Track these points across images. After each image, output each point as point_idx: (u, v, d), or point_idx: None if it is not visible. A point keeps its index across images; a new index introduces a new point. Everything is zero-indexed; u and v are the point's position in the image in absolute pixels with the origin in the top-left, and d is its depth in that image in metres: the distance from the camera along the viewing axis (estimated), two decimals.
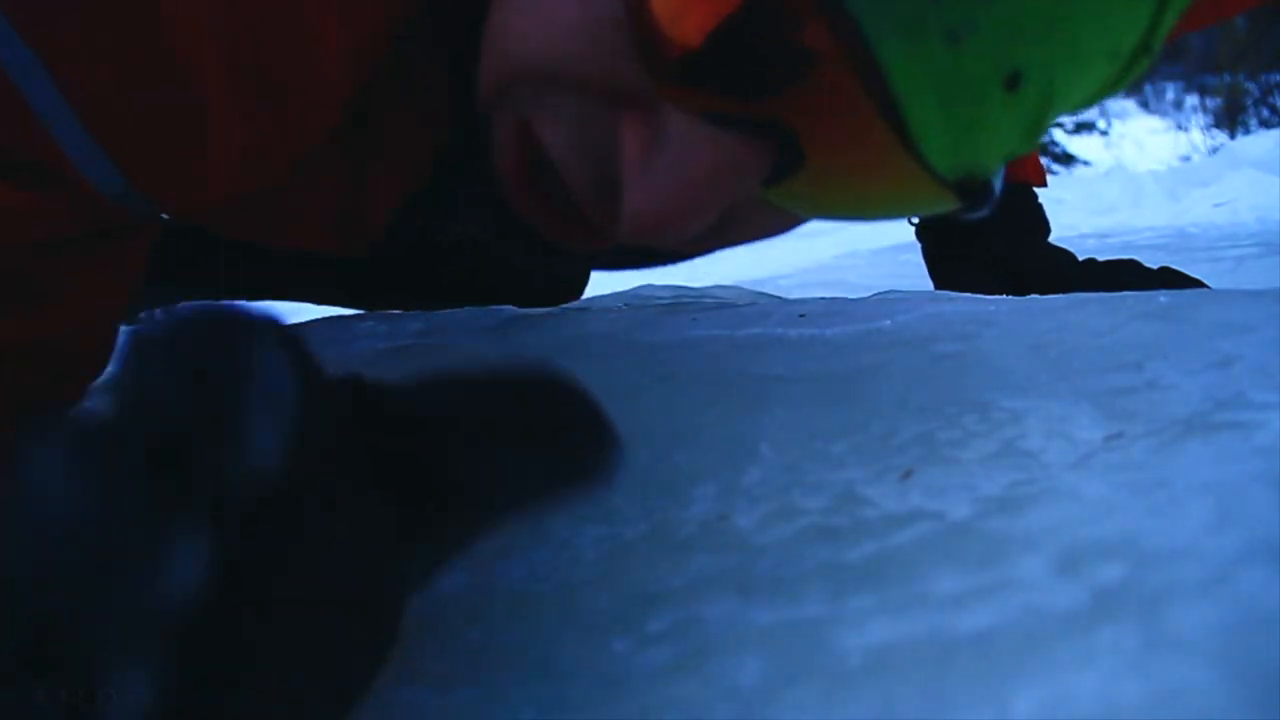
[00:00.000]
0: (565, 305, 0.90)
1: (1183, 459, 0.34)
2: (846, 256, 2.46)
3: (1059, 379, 0.44)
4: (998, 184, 0.36)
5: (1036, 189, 0.95)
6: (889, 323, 0.56)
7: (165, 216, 0.45)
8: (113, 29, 0.37)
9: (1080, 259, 0.89)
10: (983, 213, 0.35)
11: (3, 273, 0.42)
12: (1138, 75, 0.35)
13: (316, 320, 0.82)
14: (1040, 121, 0.33)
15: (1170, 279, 0.82)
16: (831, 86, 0.31)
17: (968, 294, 0.67)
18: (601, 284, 1.15)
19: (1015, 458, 0.37)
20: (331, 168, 0.49)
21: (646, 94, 0.34)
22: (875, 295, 0.71)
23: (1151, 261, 0.85)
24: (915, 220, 0.98)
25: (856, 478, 0.38)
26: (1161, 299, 0.54)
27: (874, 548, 0.33)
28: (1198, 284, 0.80)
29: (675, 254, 0.44)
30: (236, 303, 0.27)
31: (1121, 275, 0.83)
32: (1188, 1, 0.33)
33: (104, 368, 0.51)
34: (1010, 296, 0.64)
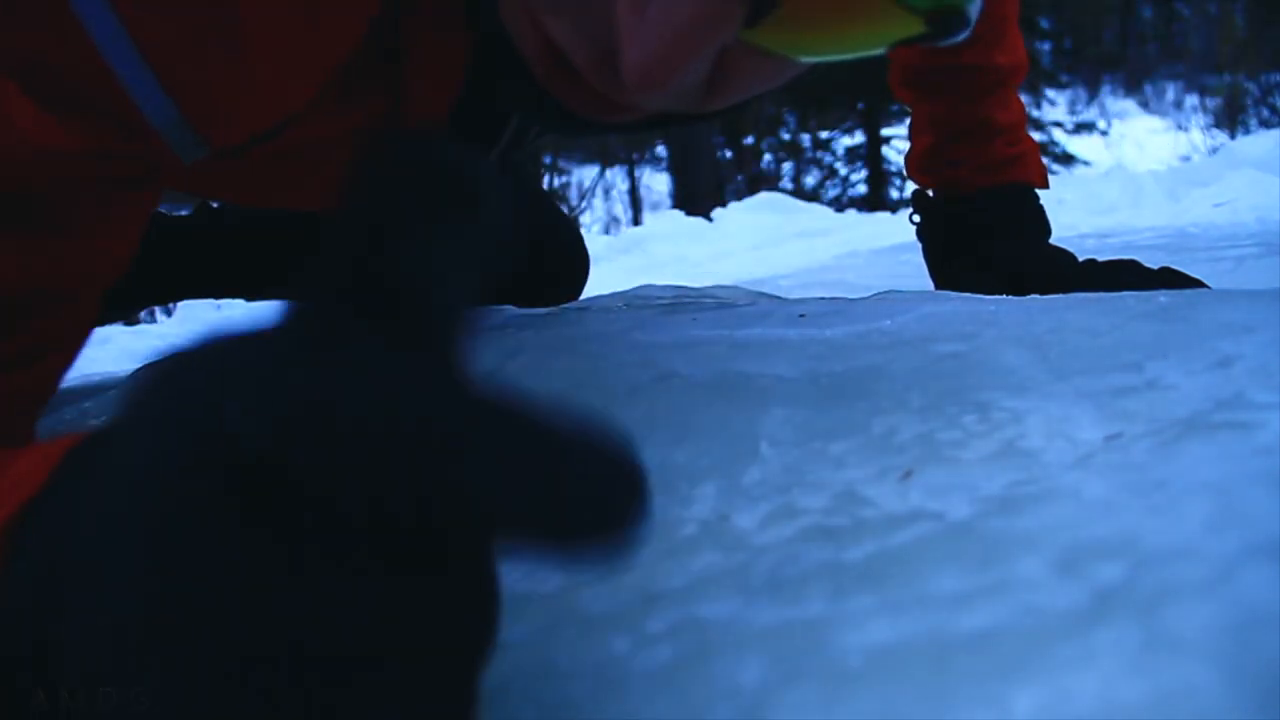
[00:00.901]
0: (565, 305, 0.90)
1: (1183, 459, 0.34)
2: (846, 256, 2.46)
3: (1059, 379, 0.44)
4: (974, 10, 0.38)
5: (1037, 190, 0.95)
6: (889, 323, 0.56)
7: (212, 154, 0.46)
8: None
9: (1080, 259, 0.89)
10: (960, 37, 0.38)
11: (21, 196, 0.43)
12: None
13: None
14: None
15: (1170, 279, 0.82)
16: None
17: (968, 294, 0.67)
18: (602, 284, 1.15)
19: (1015, 458, 0.37)
20: (365, 100, 0.50)
21: None
22: (875, 295, 0.71)
23: (1151, 261, 0.85)
24: (916, 220, 0.98)
25: (856, 478, 0.38)
26: (1161, 299, 0.54)
27: (874, 548, 0.33)
28: (1198, 284, 0.80)
29: (690, 116, 0.47)
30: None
31: (1121, 275, 0.83)
32: None
33: (79, 348, 0.50)
34: (1010, 296, 0.64)
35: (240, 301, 1.18)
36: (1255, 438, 0.34)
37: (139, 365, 0.80)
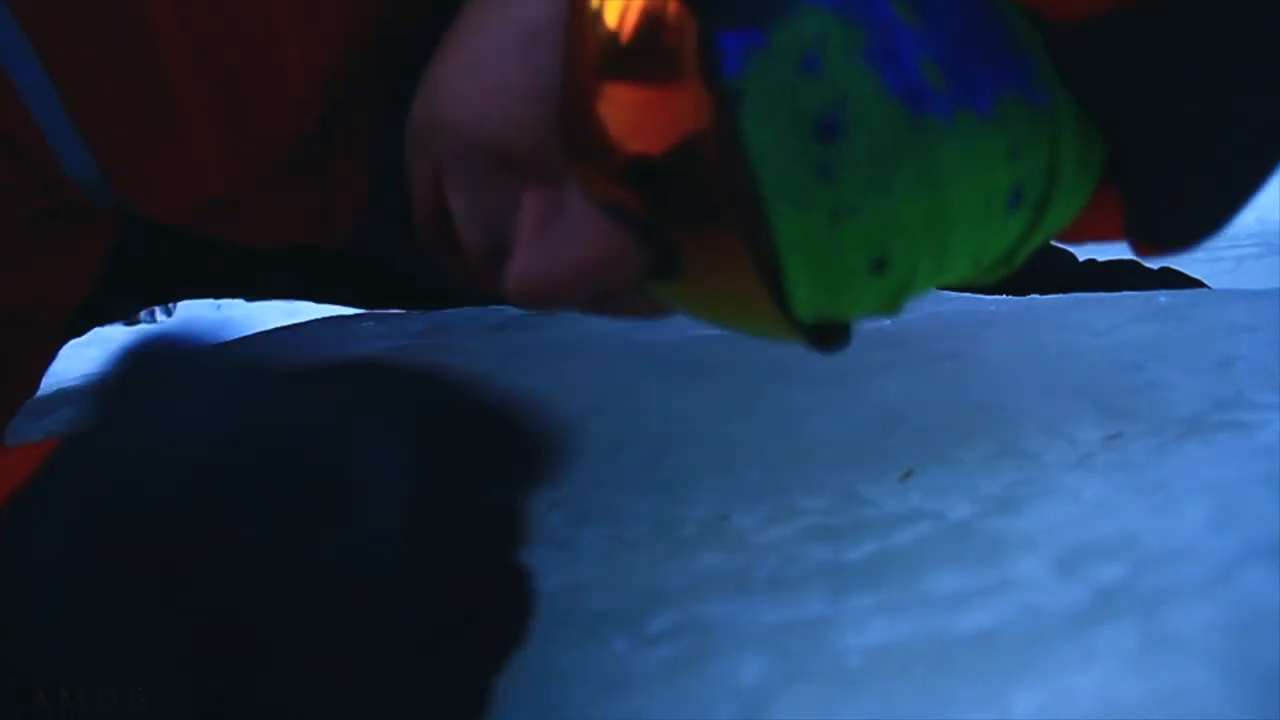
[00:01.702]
0: None
1: (1183, 459, 0.34)
2: None
3: (1059, 379, 0.44)
4: (852, 334, 0.37)
5: None
6: (889, 323, 0.56)
7: (137, 214, 0.45)
8: (101, 20, 0.38)
9: (1080, 259, 0.89)
10: (837, 349, 0.37)
11: None
12: (994, 279, 0.37)
13: (317, 320, 0.82)
14: (899, 298, 0.34)
15: (1170, 279, 0.82)
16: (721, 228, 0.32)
17: (968, 294, 0.67)
18: None
19: (1015, 458, 0.37)
20: (306, 178, 0.49)
21: (558, 172, 0.35)
22: None
23: (1152, 261, 0.86)
24: None
25: (856, 478, 0.38)
26: (1161, 299, 0.54)
27: (874, 548, 0.33)
28: (1198, 284, 0.80)
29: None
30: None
31: (1121, 275, 0.83)
32: (1056, 229, 0.34)
33: (42, 373, 0.50)
34: (1010, 296, 0.64)
35: (240, 301, 1.18)
36: (1255, 438, 0.34)
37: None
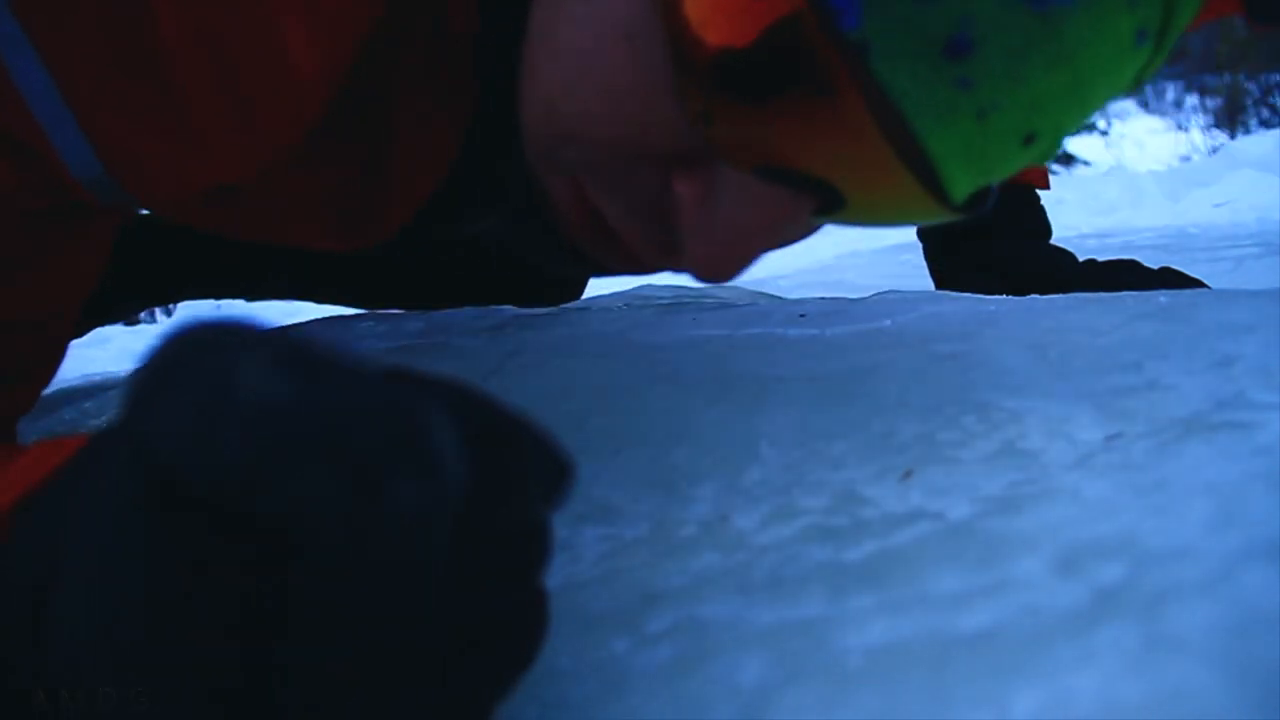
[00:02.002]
0: (565, 305, 0.90)
1: (1183, 459, 0.34)
2: (847, 256, 2.46)
3: (1059, 379, 0.44)
4: (992, 199, 0.40)
5: (1038, 190, 0.95)
6: (889, 323, 0.56)
7: (142, 209, 0.45)
8: (98, 8, 0.37)
9: (1080, 259, 0.89)
10: (982, 210, 0.39)
11: None
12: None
13: (316, 320, 0.82)
14: (1048, 154, 0.37)
15: (1170, 279, 0.82)
16: (871, 150, 0.34)
17: (968, 294, 0.67)
18: (601, 284, 1.15)
19: (1015, 458, 0.37)
20: (332, 162, 0.49)
21: (699, 152, 0.36)
22: (875, 295, 0.71)
23: (1151, 261, 0.86)
24: None
25: (856, 478, 0.38)
26: (1161, 299, 0.54)
27: (874, 548, 0.33)
28: (1198, 284, 0.80)
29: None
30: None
31: (1121, 275, 0.83)
32: (1174, 40, 0.37)
33: (55, 369, 0.50)
34: (1010, 296, 0.64)
35: (240, 301, 1.18)
36: (1255, 438, 0.34)
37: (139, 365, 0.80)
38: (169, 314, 2.66)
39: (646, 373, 0.53)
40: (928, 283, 0.98)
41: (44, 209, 0.43)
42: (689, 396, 0.49)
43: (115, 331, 2.12)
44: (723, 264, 0.37)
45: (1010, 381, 0.44)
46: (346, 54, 0.42)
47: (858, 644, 0.28)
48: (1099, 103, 0.35)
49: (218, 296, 1.16)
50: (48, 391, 0.85)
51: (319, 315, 0.87)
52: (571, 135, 0.38)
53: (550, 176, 0.41)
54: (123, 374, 0.98)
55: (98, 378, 1.09)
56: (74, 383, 1.04)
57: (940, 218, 0.38)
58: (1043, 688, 0.24)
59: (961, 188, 0.35)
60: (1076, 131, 0.38)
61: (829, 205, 0.37)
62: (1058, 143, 0.36)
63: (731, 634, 0.30)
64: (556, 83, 0.38)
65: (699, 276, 0.38)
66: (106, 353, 1.82)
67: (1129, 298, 0.56)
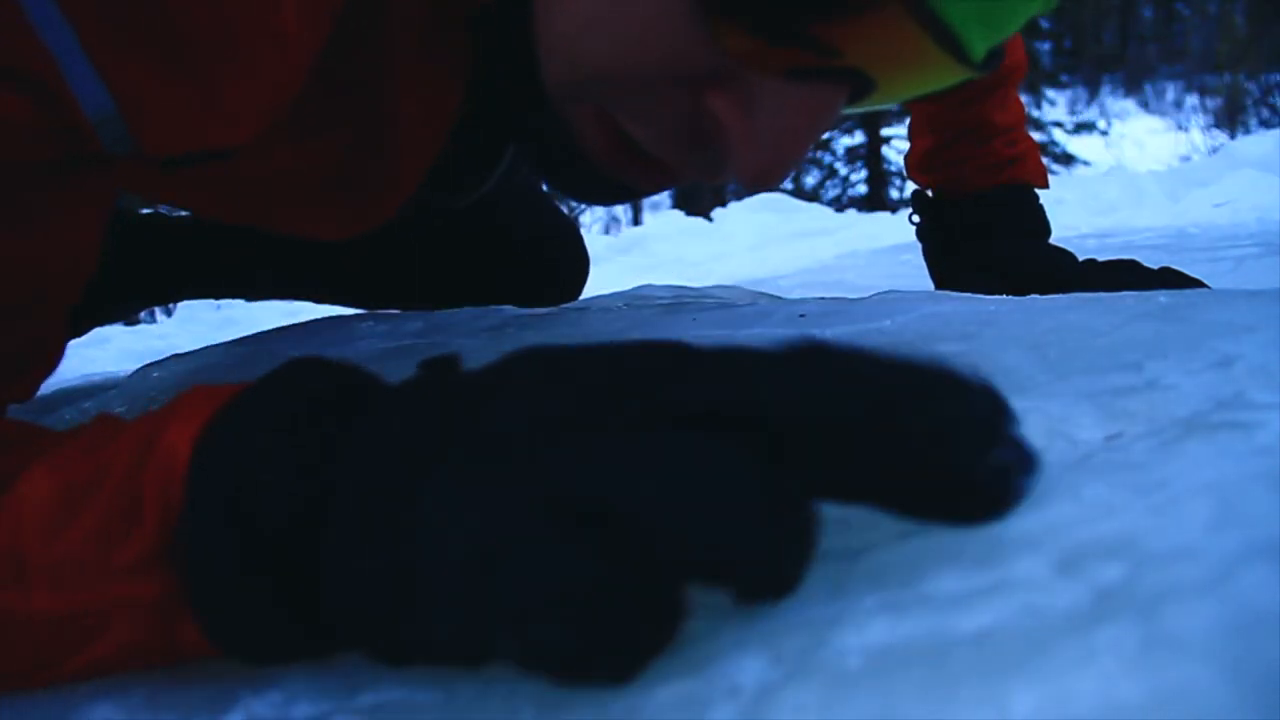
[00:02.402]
0: (565, 305, 0.90)
1: (1183, 459, 0.34)
2: (846, 256, 2.46)
3: (1059, 379, 0.44)
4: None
5: (1037, 190, 0.95)
6: (889, 323, 0.56)
7: (149, 162, 0.45)
8: None
9: (1080, 259, 0.89)
10: (997, 64, 0.42)
11: None
12: None
13: (316, 320, 0.83)
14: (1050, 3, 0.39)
15: (1170, 279, 0.82)
16: (895, 27, 0.37)
17: (968, 294, 0.67)
18: (602, 284, 1.15)
19: None
20: (328, 142, 0.49)
21: (729, 69, 0.38)
22: (875, 295, 0.71)
23: (1151, 261, 0.86)
24: (916, 220, 0.99)
25: None
26: (1161, 299, 0.54)
27: (874, 548, 0.33)
28: (1198, 284, 0.80)
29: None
30: None
31: (1121, 275, 0.83)
32: None
33: (60, 351, 0.50)
34: (1010, 296, 0.64)
35: (240, 301, 1.18)
36: (1255, 438, 0.34)
37: (139, 365, 0.80)
38: (169, 314, 2.66)
39: None
40: (928, 283, 0.99)
41: (51, 161, 0.44)
42: None
43: (115, 331, 2.12)
44: (773, 169, 0.38)
45: (1010, 381, 0.44)
46: (333, 10, 0.42)
47: (858, 644, 0.28)
48: None
49: (217, 296, 1.16)
50: (47, 391, 0.85)
51: (319, 315, 0.87)
52: (597, 72, 0.40)
53: (574, 111, 0.42)
54: (123, 374, 0.98)
55: (98, 378, 1.09)
56: (74, 383, 1.04)
57: (963, 78, 0.40)
58: (1043, 688, 0.24)
59: (980, 47, 0.37)
60: None
61: (860, 91, 0.39)
62: None
63: (731, 634, 0.30)
64: (578, 18, 0.39)
65: (747, 185, 0.39)
66: (106, 353, 1.82)
67: (1129, 298, 0.56)
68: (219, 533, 0.30)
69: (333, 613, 0.30)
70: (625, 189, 0.48)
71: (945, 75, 0.39)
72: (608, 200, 0.51)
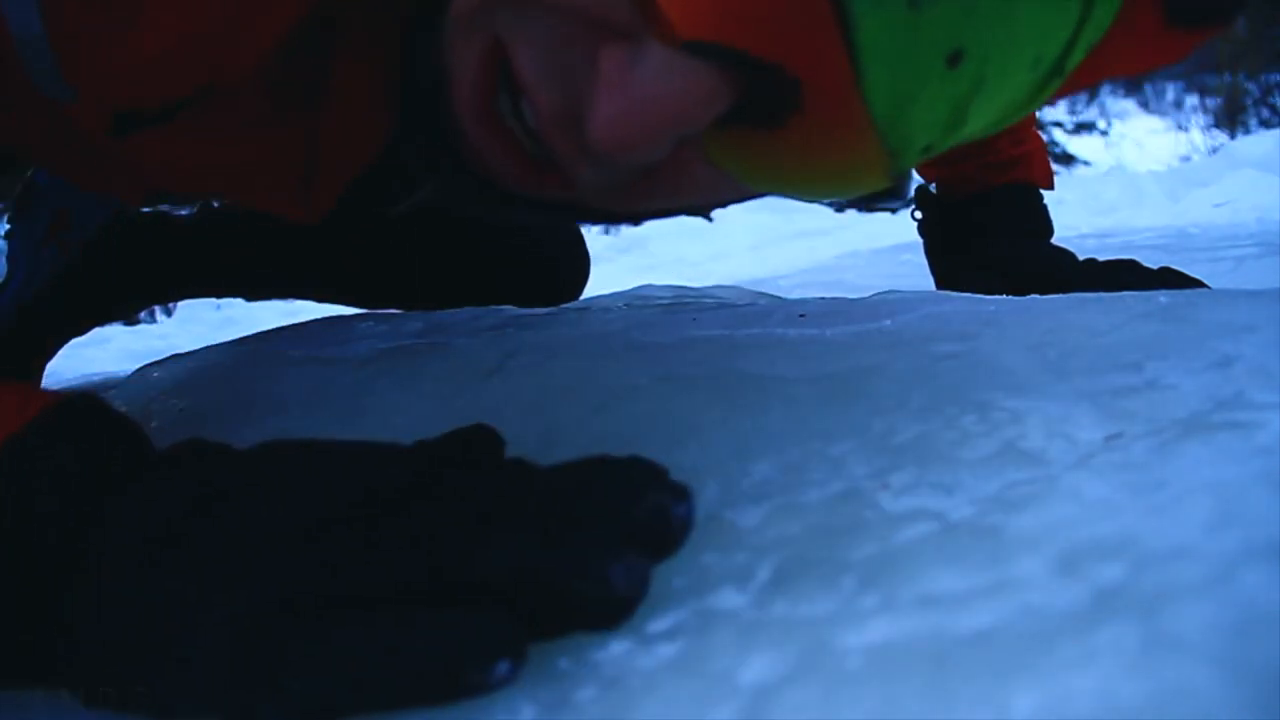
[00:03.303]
0: (565, 305, 0.90)
1: (1183, 459, 0.34)
2: (847, 256, 2.46)
3: (1059, 379, 0.44)
4: (910, 188, 0.38)
5: (1043, 190, 0.95)
6: (889, 323, 0.56)
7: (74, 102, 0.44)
8: None
9: (1080, 259, 0.89)
10: (894, 206, 0.38)
11: None
12: (1043, 102, 0.39)
13: (316, 320, 0.82)
14: (963, 114, 0.36)
15: (1170, 279, 0.82)
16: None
17: (968, 294, 0.67)
18: (602, 284, 1.15)
19: (1015, 458, 0.37)
20: (282, 130, 0.49)
21: (634, 26, 0.36)
22: (875, 295, 0.71)
23: (1151, 261, 0.86)
24: (918, 216, 0.99)
25: (856, 477, 0.38)
26: (1161, 299, 0.54)
27: (874, 548, 0.33)
28: (1198, 284, 0.80)
29: (613, 215, 0.46)
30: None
31: (1121, 275, 0.83)
32: (1098, 36, 0.37)
33: None
34: (1010, 296, 0.64)
35: (240, 301, 1.18)
36: (1255, 438, 0.34)
37: (139, 365, 0.80)
38: (169, 314, 2.66)
39: (646, 373, 0.53)
40: (928, 283, 0.98)
41: None
42: (689, 396, 0.49)
43: (115, 331, 2.12)
44: (625, 125, 0.36)
45: (1010, 381, 0.44)
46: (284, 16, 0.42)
47: (858, 644, 0.28)
48: (1029, 49, 0.35)
49: (217, 296, 1.16)
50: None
51: (319, 315, 0.87)
52: None
53: (465, 43, 0.40)
54: (123, 374, 0.98)
55: (97, 378, 1.09)
56: (74, 383, 1.04)
57: (864, 170, 0.37)
58: (1043, 688, 0.24)
59: (881, 94, 0.34)
60: (992, 115, 0.37)
61: (748, 102, 0.36)
62: (975, 93, 0.35)
63: (732, 634, 0.30)
64: None
65: (597, 138, 0.36)
66: (106, 353, 1.82)
67: (1129, 298, 0.56)
68: None
69: (65, 664, 0.31)
70: (493, 193, 0.45)
71: (849, 142, 0.36)
72: (473, 202, 0.49)
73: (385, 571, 0.31)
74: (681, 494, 0.32)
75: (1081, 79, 0.40)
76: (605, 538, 0.30)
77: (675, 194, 0.42)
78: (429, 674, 0.28)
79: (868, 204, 0.40)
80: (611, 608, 0.30)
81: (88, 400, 0.36)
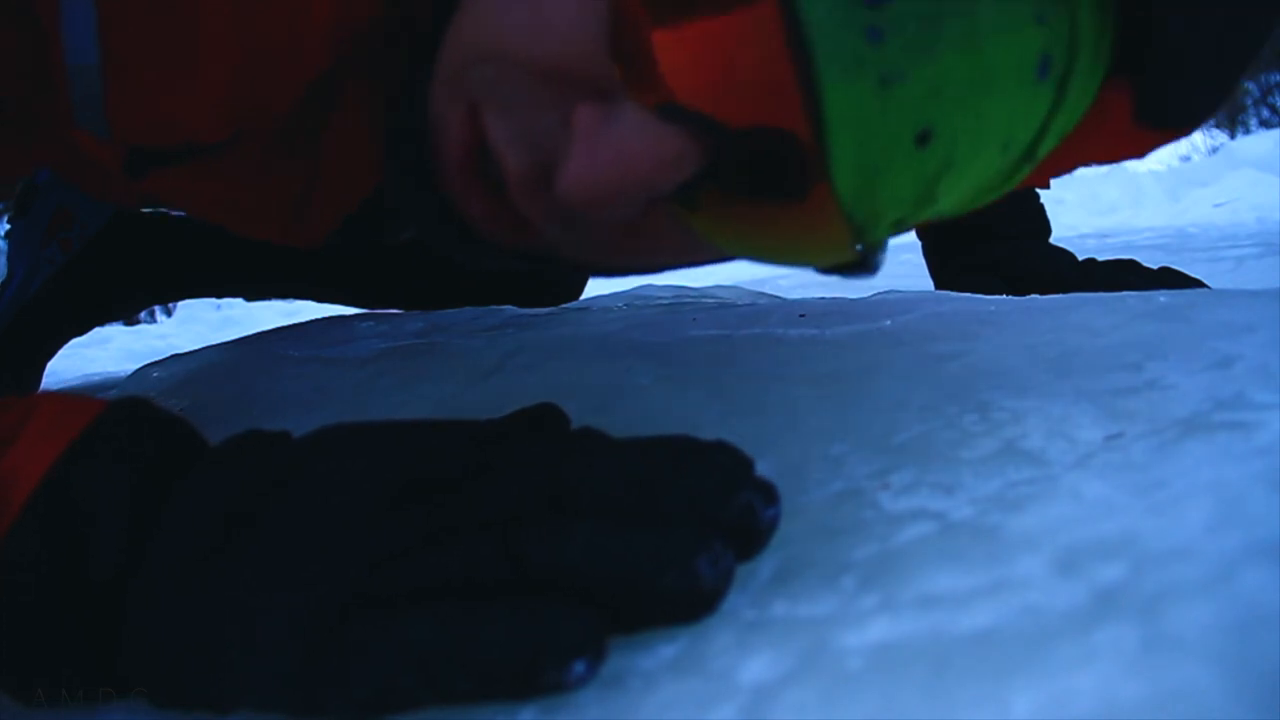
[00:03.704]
0: (565, 305, 0.90)
1: (1183, 459, 0.34)
2: None
3: (1059, 379, 0.44)
4: (881, 260, 0.39)
5: (1039, 190, 0.95)
6: (889, 323, 0.56)
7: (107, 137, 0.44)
8: None
9: (1080, 259, 0.89)
10: (864, 275, 0.38)
11: None
12: (1015, 184, 0.39)
13: (316, 320, 0.82)
14: (932, 192, 0.36)
15: (1170, 279, 0.82)
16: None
17: (968, 294, 0.67)
18: (602, 284, 1.15)
19: (1015, 458, 0.37)
20: (283, 168, 0.49)
21: (609, 88, 0.36)
22: (875, 295, 0.71)
23: (1151, 261, 0.86)
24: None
25: (856, 477, 0.38)
26: (1161, 299, 0.54)
27: (874, 548, 0.33)
28: (1198, 284, 0.80)
29: (592, 269, 0.46)
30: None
31: (1121, 275, 0.83)
32: (1070, 125, 0.37)
33: None
34: (1010, 296, 0.64)
35: (240, 301, 1.18)
36: (1255, 438, 0.34)
37: (139, 365, 0.80)
38: (169, 314, 2.66)
39: (646, 373, 0.53)
40: (928, 283, 0.98)
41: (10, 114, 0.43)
42: (689, 396, 0.49)
43: (115, 331, 2.12)
44: (596, 180, 0.35)
45: (1010, 381, 0.44)
46: (354, 33, 0.42)
47: (858, 644, 0.28)
48: (998, 131, 0.35)
49: (217, 295, 1.16)
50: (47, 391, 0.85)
51: (319, 315, 0.87)
52: (491, 52, 0.38)
53: (448, 105, 0.40)
54: (123, 374, 0.98)
55: (97, 378, 1.09)
56: (74, 383, 1.04)
57: (828, 242, 0.37)
58: (1043, 688, 0.24)
59: (845, 171, 0.34)
60: (960, 197, 0.37)
61: (720, 168, 0.36)
62: (944, 174, 0.35)
63: (732, 633, 0.30)
64: (491, 6, 0.38)
65: (568, 191, 0.36)
66: (107, 352, 1.82)
67: (1129, 298, 0.56)
68: (42, 569, 0.31)
69: (130, 665, 0.31)
70: (474, 239, 0.45)
71: (814, 214, 0.36)
72: (455, 248, 0.49)
73: (456, 557, 0.29)
74: (772, 496, 0.31)
75: (1055, 164, 0.40)
76: (691, 528, 0.29)
77: (649, 253, 0.42)
78: (502, 669, 0.27)
79: (839, 272, 0.40)
80: (696, 601, 0.29)
81: (136, 405, 0.35)
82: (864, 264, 0.37)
